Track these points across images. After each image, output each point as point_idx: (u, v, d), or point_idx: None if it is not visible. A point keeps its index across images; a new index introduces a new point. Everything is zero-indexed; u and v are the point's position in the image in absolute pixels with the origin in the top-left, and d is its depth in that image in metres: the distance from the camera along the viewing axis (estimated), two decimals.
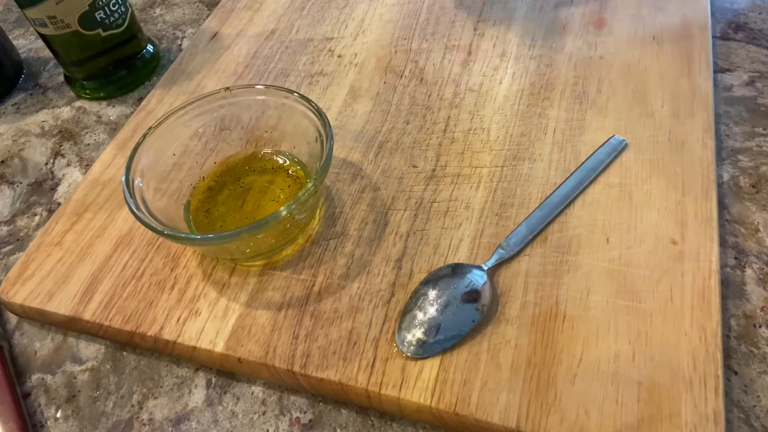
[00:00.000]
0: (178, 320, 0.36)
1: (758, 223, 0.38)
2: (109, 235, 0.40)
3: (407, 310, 0.34)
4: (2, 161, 0.51)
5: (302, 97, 0.38)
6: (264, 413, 0.34)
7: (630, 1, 0.51)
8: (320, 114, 0.37)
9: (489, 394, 0.30)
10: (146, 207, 0.35)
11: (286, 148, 0.41)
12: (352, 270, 0.36)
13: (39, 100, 0.56)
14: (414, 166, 0.42)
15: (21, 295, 0.38)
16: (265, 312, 0.35)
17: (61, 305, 0.37)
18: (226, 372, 0.36)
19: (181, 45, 0.59)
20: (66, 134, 0.52)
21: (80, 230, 0.41)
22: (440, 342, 0.32)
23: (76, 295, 0.37)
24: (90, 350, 0.38)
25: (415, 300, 0.34)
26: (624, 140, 0.40)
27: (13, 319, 0.40)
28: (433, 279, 0.35)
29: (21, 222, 0.46)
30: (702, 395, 0.29)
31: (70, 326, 0.38)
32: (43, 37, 0.50)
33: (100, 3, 0.49)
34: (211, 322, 0.35)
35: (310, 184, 0.33)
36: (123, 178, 0.35)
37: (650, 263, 0.34)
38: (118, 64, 0.53)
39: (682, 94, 0.43)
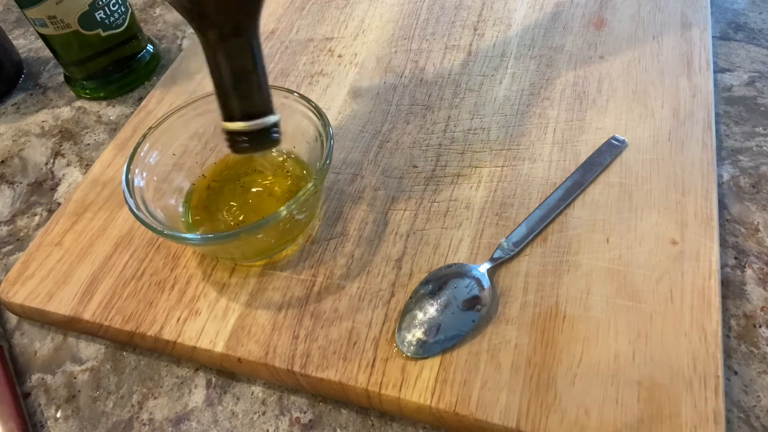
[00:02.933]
0: (178, 320, 0.36)
1: (758, 223, 0.38)
2: (109, 235, 0.40)
3: (407, 310, 0.34)
4: (2, 161, 0.51)
5: (302, 97, 0.38)
6: (264, 413, 0.34)
7: (630, 1, 0.51)
8: (320, 114, 0.37)
9: (489, 394, 0.30)
10: (146, 207, 0.35)
11: (286, 148, 0.41)
12: (352, 270, 0.36)
13: (39, 100, 0.56)
14: (414, 166, 0.42)
15: (21, 295, 0.38)
16: (265, 312, 0.35)
17: (61, 305, 0.37)
18: (226, 372, 0.36)
19: (181, 45, 0.59)
20: (66, 134, 0.52)
21: (80, 230, 0.41)
22: (440, 342, 0.32)
23: (76, 295, 0.37)
24: (90, 350, 0.38)
25: (415, 300, 0.34)
26: (624, 140, 0.40)
27: (13, 319, 0.40)
28: (433, 279, 0.35)
29: (21, 222, 0.46)
30: (702, 395, 0.29)
31: (70, 326, 0.38)
32: (43, 37, 0.50)
33: (100, 3, 0.49)
34: (211, 322, 0.35)
35: (310, 184, 0.33)
36: (123, 178, 0.35)
37: (650, 263, 0.34)
38: (118, 64, 0.53)
39: (682, 94, 0.43)
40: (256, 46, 0.30)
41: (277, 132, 0.32)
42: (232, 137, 0.32)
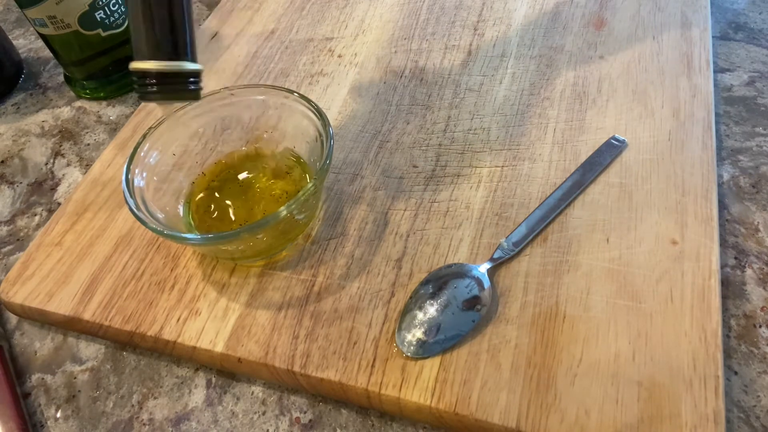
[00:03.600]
0: (178, 320, 0.36)
1: (758, 223, 0.38)
2: (109, 235, 0.40)
3: (407, 310, 0.34)
4: (2, 161, 0.51)
5: (302, 97, 0.38)
6: (264, 413, 0.34)
7: (630, 1, 0.51)
8: (320, 114, 0.37)
9: (489, 394, 0.30)
10: (146, 207, 0.35)
11: (286, 148, 0.41)
12: (352, 270, 0.36)
13: (39, 100, 0.56)
14: (414, 166, 0.42)
15: (21, 295, 0.38)
16: (265, 312, 0.35)
17: (61, 305, 0.37)
18: (226, 372, 0.36)
19: None
20: (66, 134, 0.52)
21: (80, 230, 0.41)
22: (440, 342, 0.32)
23: (76, 295, 0.37)
24: (90, 350, 0.38)
25: (415, 300, 0.34)
26: (624, 140, 0.40)
27: (13, 319, 0.40)
28: (433, 279, 0.35)
29: (21, 222, 0.46)
30: (702, 395, 0.29)
31: (70, 326, 0.38)
32: (43, 37, 0.50)
33: (100, 3, 0.49)
34: (211, 322, 0.35)
35: (310, 184, 0.33)
36: (123, 178, 0.35)
37: (650, 263, 0.34)
38: (118, 64, 0.53)
39: (682, 94, 0.43)
40: None
41: (195, 83, 0.29)
42: (141, 80, 0.29)
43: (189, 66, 0.29)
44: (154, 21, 0.28)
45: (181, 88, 0.29)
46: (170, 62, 0.28)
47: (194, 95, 0.30)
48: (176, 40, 0.28)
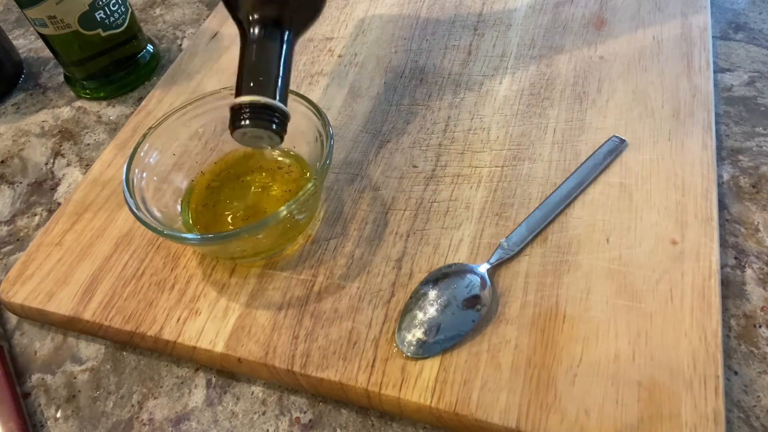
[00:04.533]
0: (178, 320, 0.36)
1: (758, 223, 0.38)
2: (109, 235, 0.40)
3: (407, 310, 0.34)
4: (2, 161, 0.51)
5: (302, 97, 0.38)
6: (264, 413, 0.34)
7: (630, 1, 0.51)
8: (320, 114, 0.37)
9: (489, 394, 0.30)
10: (146, 207, 0.35)
11: (286, 148, 0.41)
12: (352, 270, 0.36)
13: (39, 100, 0.56)
14: (414, 166, 0.42)
15: (21, 295, 0.38)
16: (265, 312, 0.35)
17: (61, 305, 0.37)
18: (226, 372, 0.36)
19: (181, 45, 0.59)
20: (66, 134, 0.52)
21: (80, 230, 0.41)
22: (440, 342, 0.32)
23: (76, 295, 0.37)
24: (90, 350, 0.38)
25: (415, 300, 0.34)
26: (624, 140, 0.40)
27: (13, 319, 0.40)
28: (433, 279, 0.35)
29: (21, 222, 0.46)
30: (702, 395, 0.29)
31: (70, 326, 0.38)
32: (43, 37, 0.50)
33: (100, 3, 0.49)
34: (211, 322, 0.35)
35: (310, 184, 0.33)
36: (123, 178, 0.35)
37: (650, 263, 0.34)
38: (118, 64, 0.53)
39: (682, 94, 0.43)
40: (289, 46, 0.34)
41: (279, 122, 0.33)
42: (235, 113, 0.33)
43: (279, 105, 0.33)
44: (261, 68, 0.34)
45: (266, 118, 0.33)
46: (263, 97, 0.33)
47: (276, 133, 0.34)
48: (275, 87, 0.33)
